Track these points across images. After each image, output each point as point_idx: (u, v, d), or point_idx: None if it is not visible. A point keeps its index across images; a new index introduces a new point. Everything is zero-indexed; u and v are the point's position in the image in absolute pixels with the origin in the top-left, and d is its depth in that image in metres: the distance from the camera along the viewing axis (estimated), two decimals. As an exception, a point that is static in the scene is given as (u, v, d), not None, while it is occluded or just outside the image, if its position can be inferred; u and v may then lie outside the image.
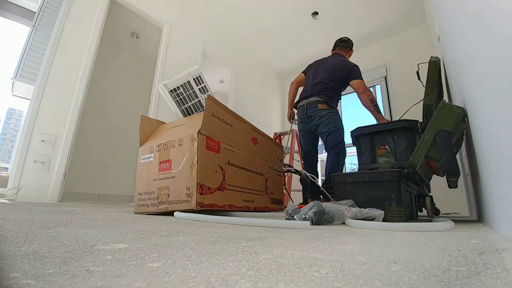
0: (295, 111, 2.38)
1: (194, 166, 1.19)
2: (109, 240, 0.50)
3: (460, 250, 0.47)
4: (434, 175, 1.40)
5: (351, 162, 4.57)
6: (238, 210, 1.39)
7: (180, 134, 1.34)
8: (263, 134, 1.78)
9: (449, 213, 2.35)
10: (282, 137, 3.47)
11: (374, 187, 1.17)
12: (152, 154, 1.39)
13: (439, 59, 1.54)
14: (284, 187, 3.01)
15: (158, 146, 1.38)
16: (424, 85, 1.48)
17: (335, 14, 3.28)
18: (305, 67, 2.45)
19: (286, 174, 3.16)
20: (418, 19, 3.27)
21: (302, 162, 3.26)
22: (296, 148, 3.24)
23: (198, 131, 1.23)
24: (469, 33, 0.82)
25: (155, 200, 1.30)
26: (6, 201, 1.66)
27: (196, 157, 1.20)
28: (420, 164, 1.12)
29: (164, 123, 1.66)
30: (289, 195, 2.79)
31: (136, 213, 1.33)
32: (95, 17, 2.41)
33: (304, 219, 0.92)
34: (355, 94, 2.13)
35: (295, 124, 2.52)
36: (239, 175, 1.46)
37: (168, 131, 1.48)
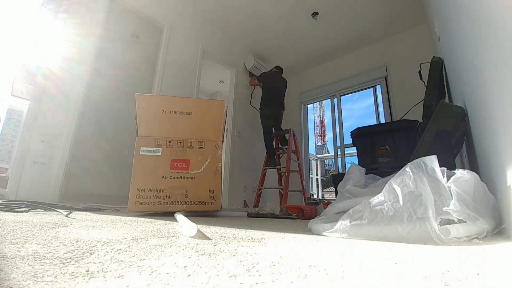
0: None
1: (218, 171, 1.30)
2: (109, 240, 0.50)
3: (461, 251, 0.47)
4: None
5: (351, 162, 4.56)
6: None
7: (194, 131, 1.33)
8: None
9: (449, 213, 2.34)
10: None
11: (374, 187, 1.16)
12: (160, 149, 1.31)
13: (441, 59, 1.54)
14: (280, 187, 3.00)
15: (170, 142, 1.32)
16: (426, 85, 1.48)
17: (335, 14, 3.28)
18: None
19: (283, 174, 3.13)
20: (418, 19, 3.27)
21: (299, 162, 3.24)
22: (293, 147, 3.17)
23: (221, 140, 1.34)
24: (469, 33, 0.82)
25: (166, 199, 1.24)
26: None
27: (220, 164, 1.32)
28: (420, 164, 1.12)
29: (164, 97, 1.49)
30: (285, 194, 2.75)
31: (133, 211, 1.20)
32: (95, 17, 2.41)
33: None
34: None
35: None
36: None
37: (172, 117, 1.37)
